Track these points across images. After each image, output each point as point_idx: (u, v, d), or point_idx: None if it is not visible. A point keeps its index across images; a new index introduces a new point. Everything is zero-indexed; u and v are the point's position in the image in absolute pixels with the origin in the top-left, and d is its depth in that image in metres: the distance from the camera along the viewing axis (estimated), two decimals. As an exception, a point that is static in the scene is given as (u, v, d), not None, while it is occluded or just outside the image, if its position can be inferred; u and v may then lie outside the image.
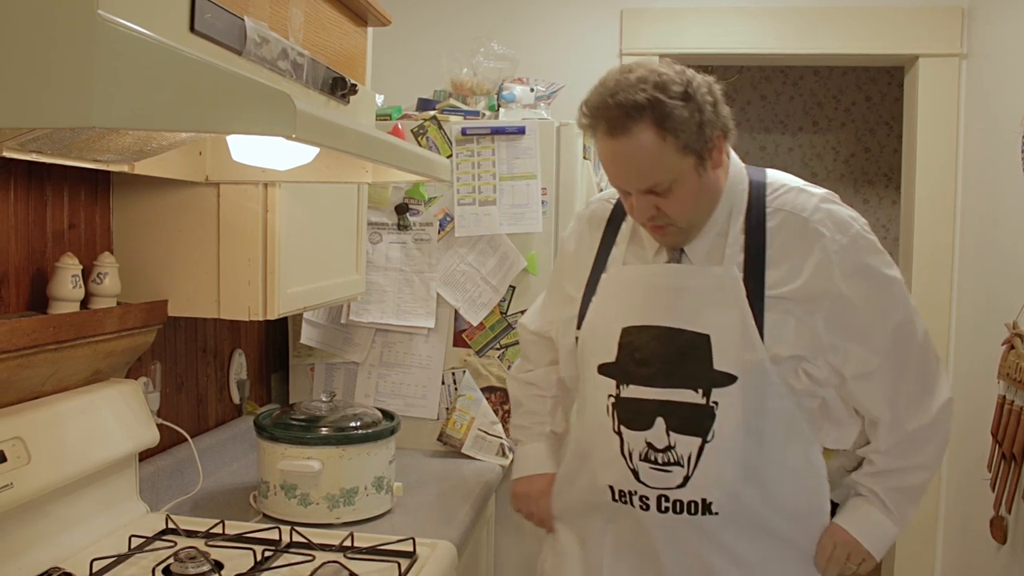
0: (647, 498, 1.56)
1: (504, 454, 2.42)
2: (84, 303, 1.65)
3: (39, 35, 0.85)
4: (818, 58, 3.34)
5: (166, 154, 1.55)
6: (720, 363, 1.50)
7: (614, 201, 1.70)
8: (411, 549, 1.66)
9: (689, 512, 1.54)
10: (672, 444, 1.53)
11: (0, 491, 1.37)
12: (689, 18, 3.18)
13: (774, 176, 1.61)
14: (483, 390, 2.47)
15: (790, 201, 1.55)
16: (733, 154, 1.59)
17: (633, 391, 1.56)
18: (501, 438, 2.43)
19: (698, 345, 1.51)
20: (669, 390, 1.53)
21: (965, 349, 3.08)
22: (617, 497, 1.60)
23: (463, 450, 2.44)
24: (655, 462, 1.54)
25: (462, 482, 2.25)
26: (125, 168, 1.53)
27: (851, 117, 5.15)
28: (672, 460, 1.53)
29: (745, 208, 1.55)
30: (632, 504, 1.58)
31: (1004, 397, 2.54)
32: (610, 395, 1.58)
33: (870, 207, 5.15)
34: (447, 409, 2.50)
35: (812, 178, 5.17)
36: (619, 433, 1.58)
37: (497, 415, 2.45)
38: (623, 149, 1.43)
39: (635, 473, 1.56)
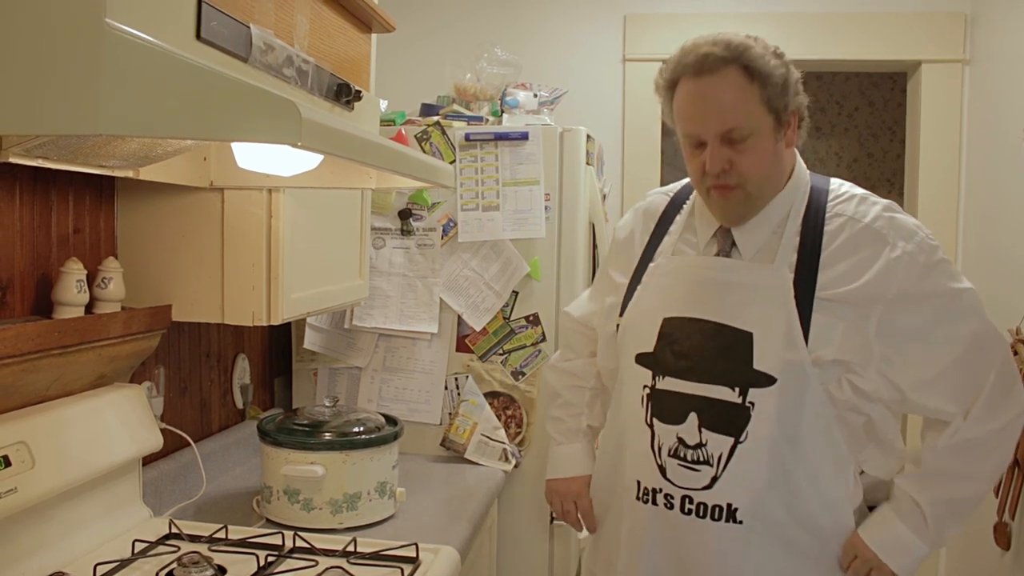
0: (672, 497, 1.53)
1: (507, 459, 2.43)
2: (89, 308, 1.65)
3: (47, 42, 0.85)
4: (821, 63, 3.34)
5: (171, 159, 1.55)
6: (760, 363, 1.47)
7: (671, 194, 1.71)
8: (414, 555, 1.66)
9: (713, 517, 1.50)
10: (703, 441, 1.50)
11: (4, 495, 1.37)
12: (692, 24, 3.18)
13: (838, 183, 1.60)
14: (486, 395, 2.47)
15: (852, 207, 1.53)
16: (801, 161, 1.60)
17: (669, 383, 1.54)
18: (504, 443, 2.43)
19: (740, 342, 1.48)
20: (705, 385, 1.50)
21: (968, 355, 3.07)
22: (641, 495, 1.58)
23: (466, 455, 2.44)
24: (684, 459, 1.51)
25: (465, 487, 2.25)
26: (130, 174, 1.53)
27: (854, 122, 5.15)
28: (702, 458, 1.50)
29: (803, 210, 1.54)
30: (656, 503, 1.56)
31: (1007, 403, 2.53)
32: (645, 386, 1.57)
33: (873, 212, 5.14)
34: (450, 414, 2.50)
35: (815, 183, 5.19)
36: (651, 426, 1.56)
37: (500, 420, 2.46)
38: (709, 88, 1.44)
39: (662, 469, 1.54)
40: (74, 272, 1.60)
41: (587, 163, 2.51)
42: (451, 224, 2.47)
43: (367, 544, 1.70)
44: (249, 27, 1.22)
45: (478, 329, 2.47)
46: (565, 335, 1.94)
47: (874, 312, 1.46)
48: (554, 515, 1.87)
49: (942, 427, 1.52)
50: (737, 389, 1.48)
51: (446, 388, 2.51)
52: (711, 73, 1.44)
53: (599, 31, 3.23)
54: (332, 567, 1.55)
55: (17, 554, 1.47)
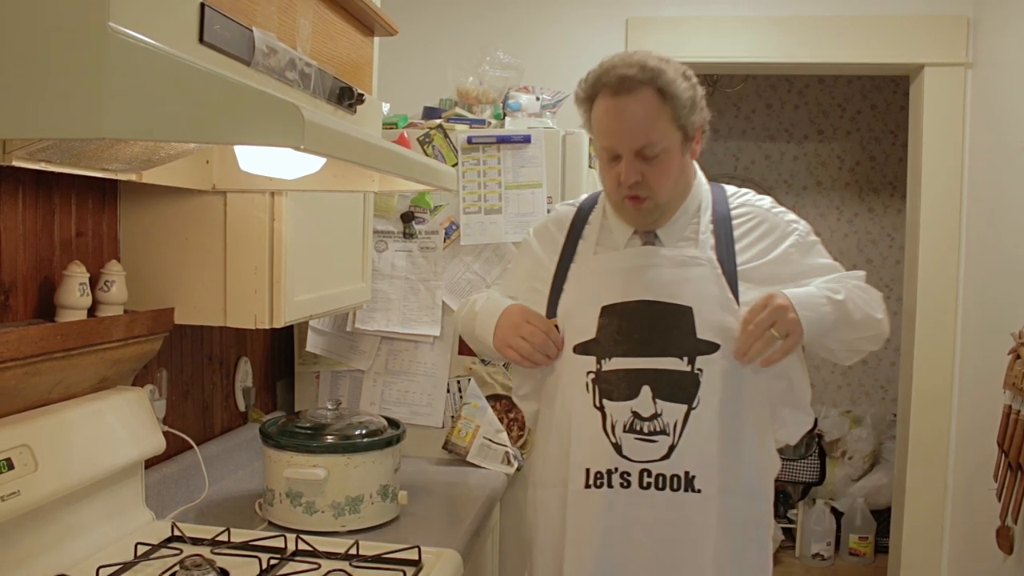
0: (628, 474, 1.60)
1: (510, 462, 2.42)
2: (91, 311, 1.65)
3: (50, 46, 0.85)
4: (823, 67, 3.35)
5: (173, 163, 1.56)
6: (703, 333, 1.60)
7: (577, 205, 1.82)
8: (416, 557, 1.66)
9: (672, 487, 1.59)
10: (658, 412, 1.60)
11: (7, 498, 1.38)
12: (694, 27, 3.18)
13: (728, 186, 1.80)
14: (488, 398, 2.47)
15: (751, 200, 1.75)
16: (696, 164, 1.76)
17: (616, 363, 1.62)
18: (506, 446, 2.43)
19: (681, 316, 1.61)
20: (655, 359, 1.61)
21: (971, 358, 3.08)
22: (593, 481, 1.61)
23: (468, 458, 2.44)
24: (640, 432, 1.60)
25: (467, 490, 2.25)
26: (133, 177, 1.53)
27: (856, 126, 5.15)
28: (658, 429, 1.59)
29: (711, 205, 1.71)
30: (611, 484, 1.60)
31: (1010, 407, 2.53)
32: (589, 372, 1.64)
33: (875, 216, 5.15)
34: (452, 417, 2.50)
35: (817, 187, 5.21)
36: (600, 408, 1.63)
37: (502, 423, 2.46)
38: (625, 106, 1.56)
39: (618, 448, 1.60)
40: (77, 275, 1.60)
41: (589, 166, 2.51)
42: (453, 227, 2.47)
43: (369, 547, 1.70)
44: (252, 30, 1.23)
45: (480, 332, 2.47)
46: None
47: (783, 281, 1.64)
48: (512, 363, 1.76)
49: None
50: (685, 358, 1.60)
51: (448, 391, 2.51)
52: (628, 93, 1.56)
53: (601, 34, 3.23)
54: (334, 570, 1.55)
55: (20, 557, 1.47)
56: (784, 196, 5.14)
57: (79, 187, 1.72)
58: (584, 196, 1.86)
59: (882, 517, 4.34)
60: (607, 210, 1.75)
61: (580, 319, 1.67)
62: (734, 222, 1.70)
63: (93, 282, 1.67)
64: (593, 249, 1.73)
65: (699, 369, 1.60)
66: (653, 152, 1.57)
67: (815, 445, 4.30)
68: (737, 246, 1.67)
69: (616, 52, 1.67)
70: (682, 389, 1.60)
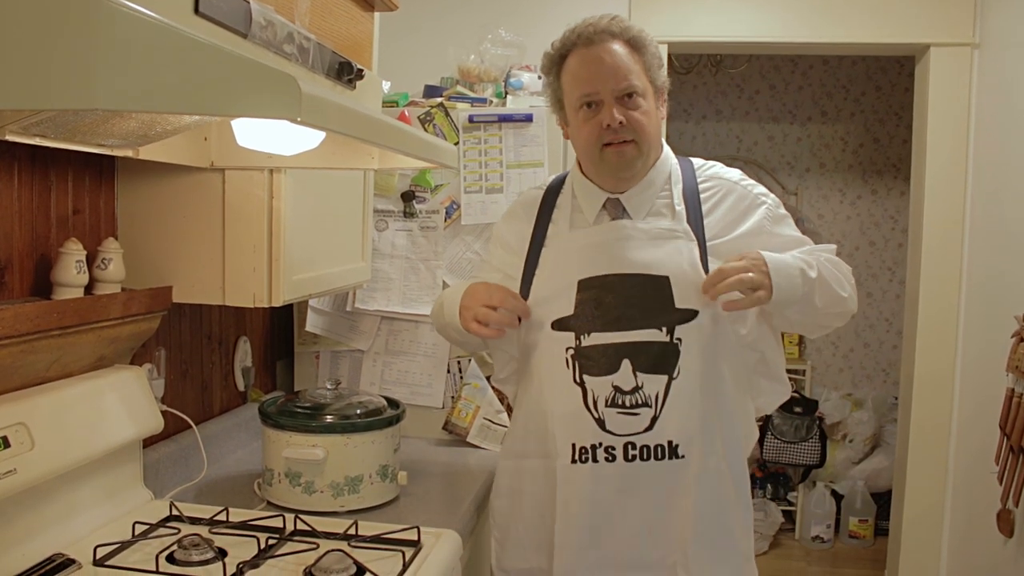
0: (613, 448, 1.61)
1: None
2: (88, 289, 1.64)
3: (42, 16, 0.83)
4: (827, 47, 3.32)
5: (171, 139, 1.54)
6: (680, 302, 1.61)
7: (544, 187, 1.82)
8: (416, 538, 1.66)
9: (656, 457, 1.60)
10: (640, 384, 1.60)
11: (3, 477, 1.37)
12: (698, 6, 3.15)
13: (696, 159, 1.80)
14: (489, 379, 2.46)
15: (719, 172, 1.75)
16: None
17: (595, 338, 1.62)
18: (506, 427, 2.42)
19: (659, 286, 1.62)
20: (633, 332, 1.61)
21: (974, 341, 3.06)
22: (578, 456, 1.62)
23: (468, 439, 2.44)
24: (623, 405, 1.60)
25: (467, 471, 2.24)
26: (130, 153, 1.51)
27: (860, 107, 5.11)
28: (640, 401, 1.60)
29: (680, 178, 1.72)
30: (596, 459, 1.61)
31: (1013, 390, 2.52)
32: (568, 348, 1.64)
33: (879, 197, 5.12)
34: (452, 398, 2.49)
35: (821, 168, 5.19)
36: (581, 384, 1.63)
37: (503, 404, 2.45)
38: (603, 52, 1.61)
39: (600, 423, 1.61)
40: (73, 253, 1.59)
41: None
42: (454, 206, 2.45)
43: (368, 527, 1.70)
44: (249, 2, 1.20)
45: (481, 312, 2.46)
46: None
47: (749, 245, 1.64)
48: (484, 337, 1.71)
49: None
50: (664, 329, 1.61)
51: (448, 371, 2.50)
52: (602, 43, 1.61)
53: (603, 12, 3.19)
54: (333, 550, 1.54)
55: (17, 536, 1.46)
56: (787, 178, 5.12)
57: (76, 164, 1.70)
58: (552, 177, 1.86)
59: (882, 500, 4.34)
60: (575, 189, 1.75)
61: (557, 296, 1.66)
62: (702, 195, 1.70)
63: (90, 260, 1.65)
64: (566, 229, 1.73)
65: (678, 339, 1.60)
66: (637, 91, 1.60)
67: (816, 428, 4.29)
68: (706, 220, 1.67)
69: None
70: (662, 360, 1.60)
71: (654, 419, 1.60)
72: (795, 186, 5.09)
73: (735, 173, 1.77)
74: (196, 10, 1.08)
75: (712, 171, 1.75)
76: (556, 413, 1.66)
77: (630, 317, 1.61)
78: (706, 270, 1.61)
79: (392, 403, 2.03)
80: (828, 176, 5.17)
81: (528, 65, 2.69)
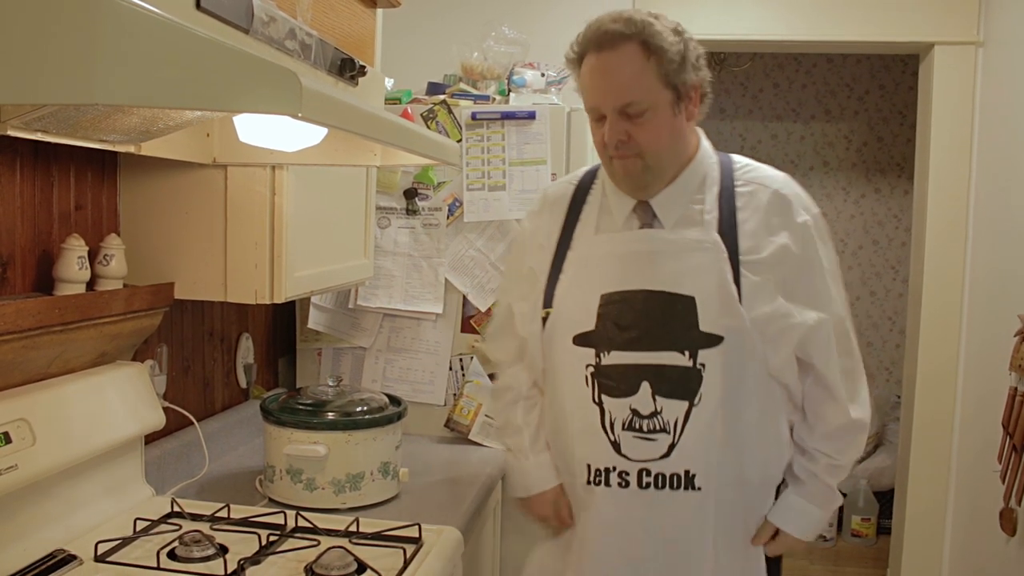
0: (627, 473, 1.54)
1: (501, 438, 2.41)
2: (90, 285, 1.64)
3: (42, 10, 0.83)
4: (832, 45, 3.31)
5: (173, 135, 1.54)
6: (705, 325, 1.51)
7: (576, 182, 1.73)
8: (417, 535, 1.65)
9: (672, 486, 1.53)
10: (658, 409, 1.53)
11: (5, 472, 1.37)
12: (702, 4, 3.15)
13: (738, 157, 1.67)
14: (491, 376, 2.45)
15: (761, 175, 1.61)
16: (702, 133, 1.66)
17: (615, 357, 1.54)
18: (497, 420, 2.42)
19: (684, 306, 1.52)
20: (655, 353, 1.52)
21: (977, 340, 3.06)
22: (592, 478, 1.57)
23: (470, 436, 2.44)
24: (640, 430, 1.53)
25: (469, 468, 2.24)
26: (132, 149, 1.51)
27: (864, 106, 5.10)
28: (658, 427, 1.52)
29: (718, 180, 1.60)
30: (608, 483, 1.55)
31: (1015, 389, 2.51)
32: (588, 365, 1.56)
33: (882, 196, 5.11)
34: (454, 395, 2.49)
35: (824, 167, 5.17)
36: (599, 403, 1.56)
37: (504, 402, 2.44)
38: (608, 62, 1.50)
39: (616, 446, 1.54)
40: (75, 249, 1.59)
41: (594, 143, 2.48)
42: (457, 204, 2.45)
43: (369, 524, 1.70)
44: (251, -2, 1.20)
45: (483, 310, 2.46)
46: (489, 354, 1.92)
47: (780, 274, 1.54)
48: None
49: (822, 407, 1.60)
50: (687, 352, 1.52)
51: (451, 369, 2.50)
52: (611, 48, 1.49)
53: (608, 9, 3.19)
54: (334, 547, 1.54)
55: (18, 531, 1.46)
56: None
57: (78, 159, 1.70)
58: (584, 170, 1.76)
59: (885, 499, 4.33)
60: (606, 187, 1.66)
61: (579, 308, 1.59)
62: (738, 202, 1.57)
63: (92, 256, 1.65)
64: (593, 231, 1.64)
65: (701, 364, 1.51)
66: (637, 110, 1.49)
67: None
68: (740, 230, 1.55)
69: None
70: (683, 385, 1.52)
71: (671, 446, 1.52)
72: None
73: (777, 178, 1.62)
74: (198, 5, 1.08)
75: (752, 174, 1.61)
76: (575, 431, 1.60)
77: (652, 337, 1.52)
78: (738, 286, 1.51)
79: (394, 400, 2.02)
80: (832, 175, 5.16)
81: (531, 63, 2.69)
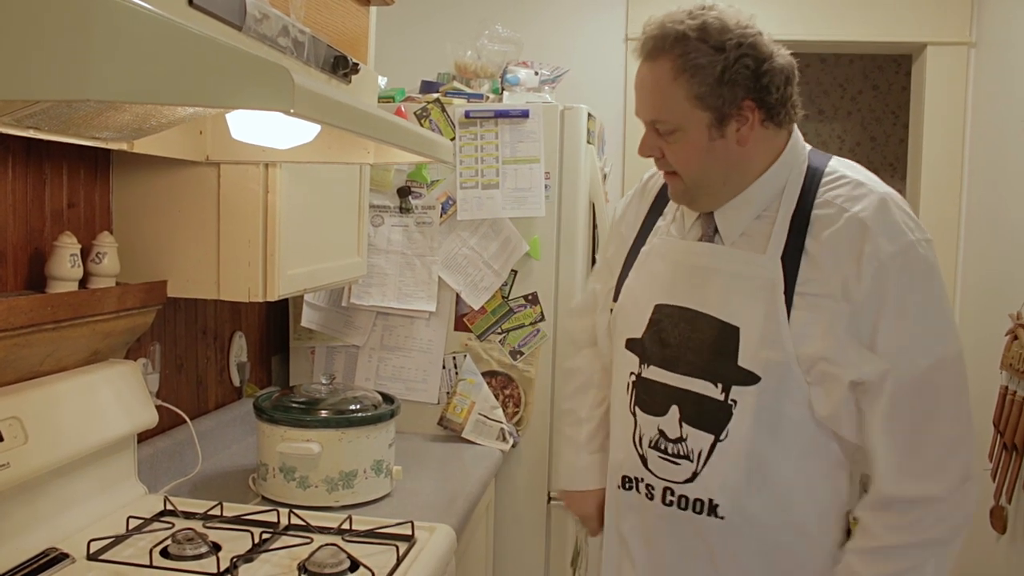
0: (652, 488, 1.50)
1: (505, 439, 2.42)
2: (83, 283, 1.64)
3: (35, 6, 0.83)
4: (825, 45, 3.31)
5: (166, 133, 1.53)
6: (745, 360, 1.39)
7: None
8: (410, 533, 1.66)
9: (694, 511, 1.46)
10: (684, 436, 1.45)
11: (-3, 470, 1.36)
12: (695, 3, 3.15)
13: (836, 164, 1.47)
14: (484, 374, 2.46)
15: (844, 193, 1.39)
16: (799, 139, 1.51)
17: (653, 372, 1.49)
18: (502, 423, 2.42)
19: (727, 336, 1.41)
20: (688, 379, 1.45)
21: (968, 339, 3.05)
22: (623, 483, 1.56)
23: (463, 435, 2.44)
24: (665, 452, 1.48)
25: (462, 467, 2.24)
26: (124, 146, 1.51)
27: (857, 106, 5.11)
28: (682, 453, 1.46)
29: (798, 194, 1.42)
30: (638, 491, 1.53)
31: (1006, 387, 2.53)
32: (632, 372, 1.53)
33: (875, 196, 5.12)
34: (448, 393, 2.49)
35: (817, 166, 5.17)
36: (633, 415, 1.53)
37: (498, 400, 2.45)
38: (644, 74, 1.42)
39: (643, 460, 1.51)
40: (68, 246, 1.59)
41: (588, 142, 2.49)
42: (450, 202, 2.45)
43: (363, 522, 1.70)
44: (244, -5, 1.20)
45: (476, 308, 2.46)
46: (569, 331, 1.89)
47: (846, 311, 1.34)
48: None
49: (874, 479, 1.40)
50: (720, 386, 1.42)
51: (444, 367, 2.50)
52: (649, 59, 1.41)
53: (602, 10, 3.20)
54: (327, 544, 1.54)
55: (9, 530, 1.46)
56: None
57: (71, 157, 1.70)
58: None
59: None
60: None
61: (634, 312, 1.54)
62: (812, 225, 1.39)
63: (85, 254, 1.65)
64: (667, 229, 1.56)
65: (733, 400, 1.40)
66: (666, 129, 1.40)
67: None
68: (804, 257, 1.38)
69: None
70: (711, 418, 1.43)
71: (695, 474, 1.45)
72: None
73: (864, 198, 1.37)
74: (190, 2, 1.08)
75: (835, 191, 1.40)
76: (616, 434, 1.60)
77: (688, 362, 1.45)
78: (789, 316, 1.36)
79: (387, 398, 2.02)
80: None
81: (525, 61, 2.69)
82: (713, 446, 1.43)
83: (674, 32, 1.37)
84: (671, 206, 1.58)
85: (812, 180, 1.43)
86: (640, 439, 1.51)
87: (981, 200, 3.01)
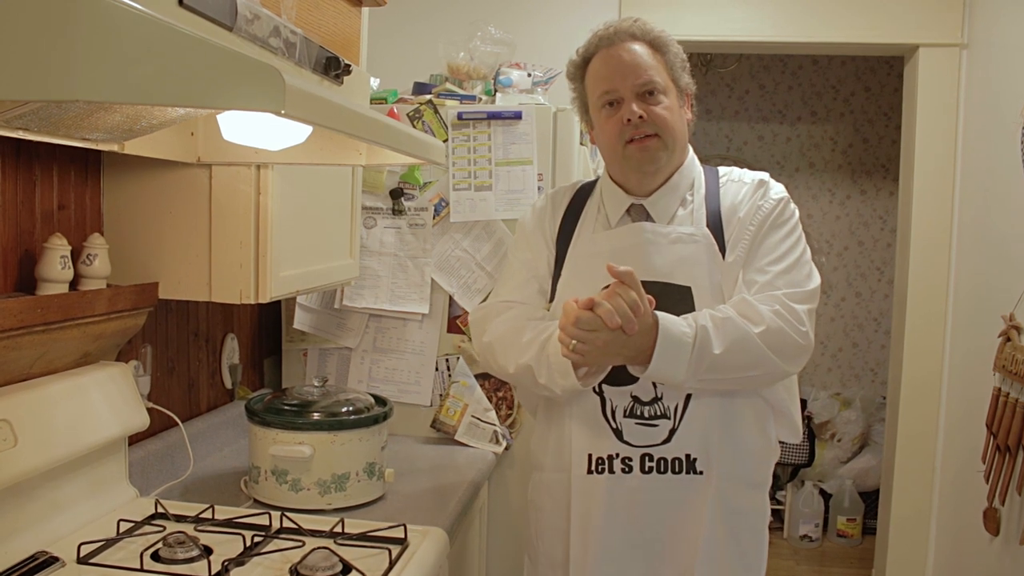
0: (630, 459, 1.59)
1: (498, 441, 2.41)
2: (73, 284, 1.63)
3: (23, 6, 0.83)
4: (818, 47, 3.32)
5: (157, 134, 1.53)
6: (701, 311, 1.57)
7: (577, 187, 1.81)
8: (402, 536, 1.65)
9: (674, 470, 1.58)
10: (659, 395, 1.59)
11: (-14, 473, 1.36)
12: (688, 5, 3.15)
13: (722, 168, 1.78)
14: (477, 377, 2.45)
15: (737, 175, 1.73)
16: (689, 146, 1.75)
17: None
18: (495, 425, 2.42)
19: (681, 296, 1.58)
20: None
21: (961, 340, 3.07)
22: (594, 467, 1.60)
23: (456, 437, 2.43)
24: (641, 416, 1.59)
25: (455, 469, 2.23)
26: (115, 147, 1.50)
27: (850, 107, 5.13)
28: (659, 412, 1.59)
29: (704, 184, 1.70)
30: (612, 470, 1.59)
31: (999, 389, 2.53)
32: None
33: (868, 197, 5.14)
34: (440, 396, 2.48)
35: (810, 168, 5.19)
36: (600, 393, 1.61)
37: (491, 402, 2.44)
38: (625, 51, 1.62)
39: (618, 433, 1.60)
40: (58, 248, 1.58)
41: (581, 143, 2.49)
42: (443, 204, 2.45)
43: (355, 525, 1.69)
44: (235, -4, 1.20)
45: (469, 310, 2.46)
46: (489, 311, 1.79)
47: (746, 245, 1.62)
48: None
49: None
50: None
51: (437, 369, 2.49)
52: (623, 43, 1.63)
53: (595, 11, 3.19)
54: (319, 548, 1.53)
55: (0, 533, 1.45)
56: (777, 177, 5.03)
57: (61, 158, 1.69)
58: (583, 181, 1.85)
59: (870, 499, 4.35)
60: (603, 191, 1.74)
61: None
62: (723, 201, 1.67)
63: (75, 255, 1.64)
64: (590, 232, 1.71)
65: None
66: (656, 89, 1.60)
67: (804, 427, 4.30)
68: (725, 226, 1.64)
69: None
70: None
71: (672, 431, 1.58)
72: (784, 186, 5.08)
73: (752, 173, 1.74)
74: (180, 2, 1.07)
75: (731, 175, 1.74)
76: (575, 422, 1.64)
77: None
78: (728, 272, 1.61)
79: (380, 401, 2.02)
80: (817, 176, 5.18)
81: (518, 63, 2.69)
82: (688, 399, 1.58)
83: (644, 26, 1.65)
84: (586, 214, 1.74)
85: (711, 176, 1.73)
86: (613, 412, 1.60)
87: (973, 200, 3.02)
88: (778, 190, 1.71)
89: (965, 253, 3.07)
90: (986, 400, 2.59)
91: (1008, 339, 2.52)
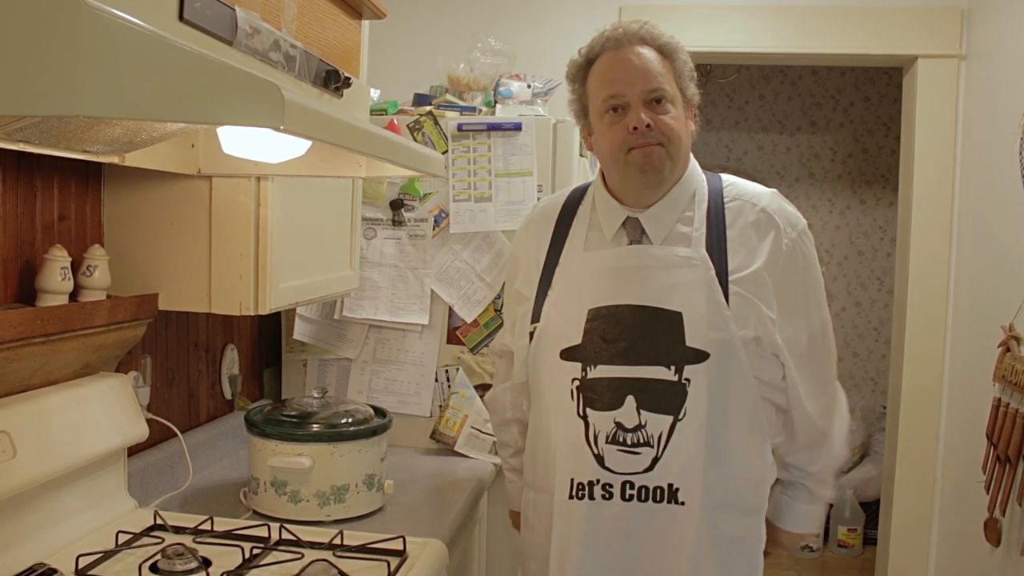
0: (610, 486, 1.53)
1: (497, 452, 2.41)
2: (73, 296, 1.63)
3: (23, 21, 0.83)
4: (817, 58, 3.33)
5: (158, 146, 1.53)
6: (692, 341, 1.52)
7: (564, 199, 1.74)
8: (401, 548, 1.65)
9: (655, 499, 1.52)
10: (643, 423, 1.52)
11: (-15, 485, 1.36)
12: (688, 16, 3.16)
13: (726, 175, 1.70)
14: (477, 388, 2.45)
15: (748, 191, 1.64)
16: (691, 154, 1.69)
17: (601, 371, 1.54)
18: (494, 436, 2.42)
19: (671, 322, 1.53)
20: (640, 367, 1.52)
21: (961, 351, 3.07)
22: (575, 492, 1.56)
23: (456, 448, 2.43)
24: (624, 443, 1.53)
25: (454, 480, 2.23)
26: (115, 159, 1.51)
27: (849, 118, 5.13)
28: (642, 440, 1.52)
29: (707, 197, 1.62)
30: (592, 496, 1.54)
31: (999, 399, 2.53)
32: (574, 379, 1.56)
33: (867, 208, 5.14)
34: (440, 407, 2.48)
35: (810, 178, 5.20)
36: (584, 417, 1.56)
37: (490, 413, 2.44)
38: (633, 55, 1.55)
39: (600, 459, 1.54)
40: (58, 259, 1.58)
41: (580, 155, 2.49)
42: (443, 215, 2.45)
43: (354, 537, 1.69)
44: (234, 9, 1.20)
45: (469, 321, 2.46)
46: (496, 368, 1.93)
47: (769, 291, 1.56)
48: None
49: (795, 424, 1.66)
50: (673, 367, 1.52)
51: (436, 380, 2.49)
52: (630, 46, 1.56)
53: (594, 22, 3.18)
54: (318, 560, 1.53)
55: (-2, 545, 1.45)
56: (776, 187, 5.08)
57: (62, 170, 1.69)
58: (571, 188, 1.77)
59: (871, 509, 4.34)
60: (596, 202, 1.66)
61: (566, 323, 1.59)
62: (727, 219, 1.60)
63: (75, 267, 1.64)
64: (581, 248, 1.64)
65: (686, 379, 1.51)
66: (663, 96, 1.54)
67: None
68: (729, 247, 1.57)
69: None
70: (668, 400, 1.52)
71: (655, 460, 1.52)
72: (784, 196, 5.09)
73: (763, 195, 1.65)
74: (181, 17, 1.08)
75: (738, 190, 1.64)
76: (558, 446, 1.59)
77: (638, 351, 1.53)
78: (726, 299, 1.53)
79: (379, 412, 2.02)
80: (817, 186, 5.19)
81: (518, 74, 2.69)
82: (673, 427, 1.52)
83: (652, 30, 1.58)
84: (576, 228, 1.67)
85: (714, 186, 1.65)
86: (595, 438, 1.55)
87: (973, 210, 3.02)
88: (789, 217, 1.65)
89: (965, 263, 3.07)
90: (986, 410, 2.58)
91: (1008, 349, 2.52)
